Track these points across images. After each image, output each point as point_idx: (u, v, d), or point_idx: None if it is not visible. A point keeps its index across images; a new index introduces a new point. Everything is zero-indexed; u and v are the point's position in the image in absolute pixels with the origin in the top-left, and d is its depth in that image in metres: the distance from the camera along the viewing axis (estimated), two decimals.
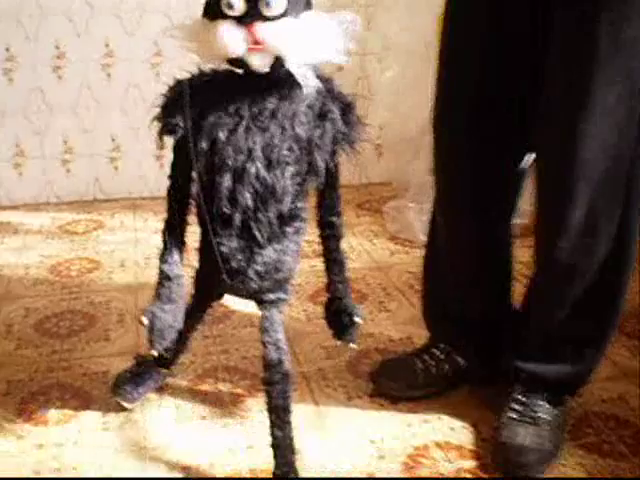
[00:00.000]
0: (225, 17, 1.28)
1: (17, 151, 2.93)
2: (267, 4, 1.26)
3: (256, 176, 1.34)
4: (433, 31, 2.64)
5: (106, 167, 3.00)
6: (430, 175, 2.77)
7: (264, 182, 1.35)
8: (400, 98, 2.98)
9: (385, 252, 2.53)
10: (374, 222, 2.78)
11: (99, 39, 2.85)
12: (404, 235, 2.62)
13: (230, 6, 1.27)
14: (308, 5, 1.35)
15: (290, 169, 1.36)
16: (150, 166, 2.97)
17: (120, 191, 3.01)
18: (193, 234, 1.46)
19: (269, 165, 1.34)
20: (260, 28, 1.26)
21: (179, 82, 1.38)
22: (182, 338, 1.60)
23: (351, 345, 1.54)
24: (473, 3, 1.46)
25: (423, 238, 2.51)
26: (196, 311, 1.61)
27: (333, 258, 1.54)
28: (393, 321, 2.07)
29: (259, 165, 1.34)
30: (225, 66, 1.34)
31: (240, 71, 1.33)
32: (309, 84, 1.32)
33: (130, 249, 2.55)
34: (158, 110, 1.37)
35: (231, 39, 1.27)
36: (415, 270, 2.34)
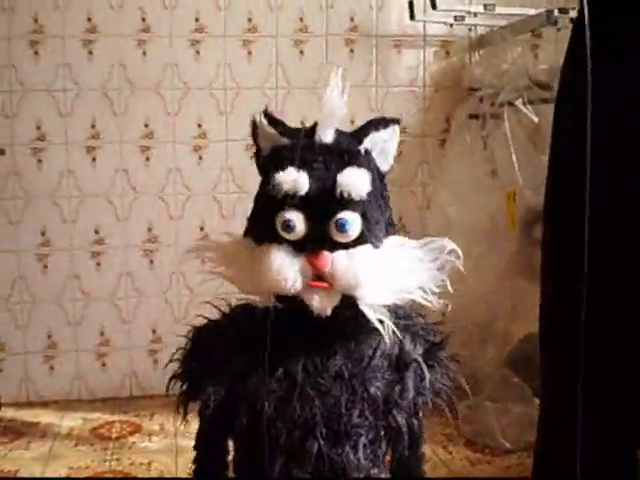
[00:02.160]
0: (279, 240, 0.98)
1: (49, 343, 2.70)
2: (341, 226, 0.96)
3: (318, 455, 1.01)
4: (497, 208, 2.50)
5: (145, 360, 2.75)
6: (504, 367, 2.56)
7: (329, 461, 1.02)
8: (463, 279, 2.74)
9: (464, 462, 2.20)
10: (445, 423, 2.44)
11: (141, 223, 2.68)
12: (483, 440, 2.30)
13: (289, 228, 0.96)
14: (390, 227, 1.06)
15: (363, 440, 1.04)
16: None
17: (159, 387, 2.74)
18: None
19: (335, 439, 1.02)
20: (328, 259, 0.96)
21: (204, 330, 1.07)
22: None
23: None
24: None
25: (505, 443, 2.24)
26: None
27: None
28: None
29: (322, 441, 1.01)
30: (271, 305, 1.01)
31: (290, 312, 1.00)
32: (386, 330, 1.00)
33: (169, 461, 2.25)
34: (179, 366, 1.07)
35: (288, 271, 0.96)
36: None
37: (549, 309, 1.31)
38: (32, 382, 2.72)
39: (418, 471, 1.17)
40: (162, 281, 2.72)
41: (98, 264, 2.69)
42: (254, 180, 2.70)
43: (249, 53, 2.66)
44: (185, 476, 2.12)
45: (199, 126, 2.67)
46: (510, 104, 2.39)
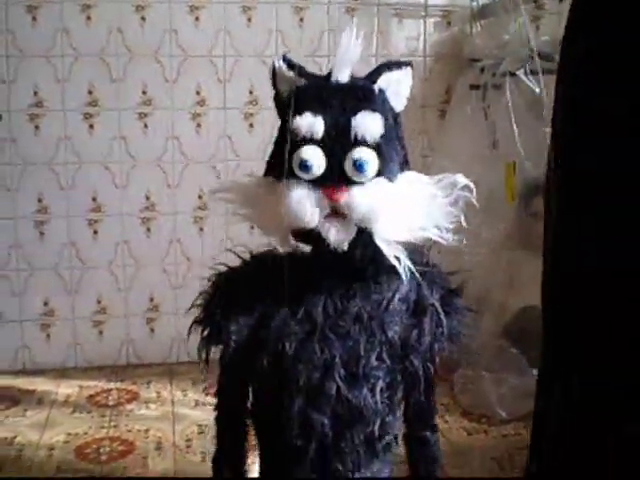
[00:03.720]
0: (298, 177, 1.00)
1: (46, 310, 2.69)
2: (360, 167, 0.99)
3: (337, 397, 1.03)
4: (497, 180, 2.49)
5: (142, 329, 2.74)
6: (500, 338, 2.56)
7: (347, 403, 1.03)
8: (460, 252, 2.74)
9: (461, 432, 2.20)
10: (442, 393, 2.45)
11: (139, 190, 2.67)
12: (479, 410, 2.30)
13: (306, 168, 0.99)
14: (405, 165, 1.08)
15: (380, 383, 1.05)
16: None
17: (156, 355, 2.74)
18: None
19: (353, 381, 1.04)
20: (344, 191, 0.98)
21: (227, 275, 1.09)
22: None
23: None
24: None
25: (501, 413, 2.25)
26: None
27: None
28: None
29: (340, 383, 1.03)
30: (289, 245, 1.04)
31: (308, 248, 1.02)
32: (403, 269, 1.02)
33: (167, 428, 2.25)
34: (200, 311, 1.08)
35: (306, 204, 0.98)
36: (499, 455, 2.03)
37: (551, 281, 1.30)
38: (29, 350, 2.71)
39: (432, 417, 1.19)
40: (160, 249, 2.70)
41: (95, 232, 2.67)
42: (252, 148, 2.70)
43: (249, 20, 2.63)
44: (183, 442, 2.13)
45: (198, 93, 2.65)
46: (512, 74, 2.38)
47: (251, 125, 2.64)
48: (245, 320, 1.03)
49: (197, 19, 2.62)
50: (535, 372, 1.52)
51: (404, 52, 2.76)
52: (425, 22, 2.79)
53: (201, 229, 2.68)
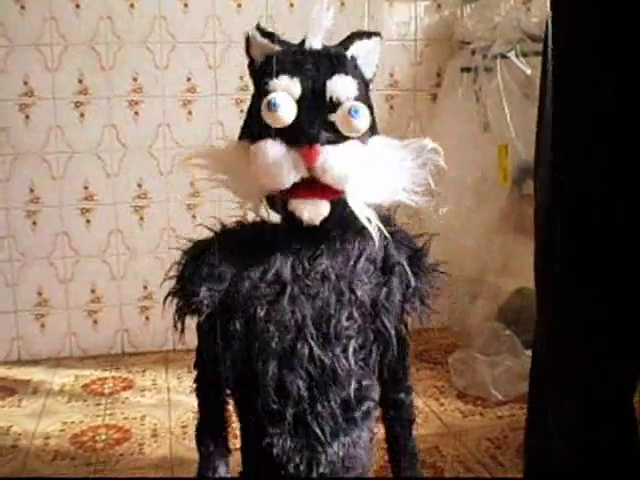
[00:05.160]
0: (272, 136, 1.00)
1: (40, 300, 2.68)
2: (355, 112, 1.00)
3: (310, 358, 1.04)
4: (489, 162, 2.49)
5: (136, 317, 2.73)
6: (495, 321, 2.57)
7: (321, 364, 1.04)
8: (454, 236, 2.74)
9: (456, 414, 2.20)
10: (437, 376, 2.46)
11: (131, 179, 2.66)
12: (474, 392, 2.30)
13: (274, 106, 0.99)
14: (374, 129, 1.09)
15: (353, 343, 1.06)
16: None
17: (151, 343, 2.74)
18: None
19: (325, 342, 1.05)
20: (319, 152, 0.98)
21: (199, 245, 1.09)
22: None
23: None
24: None
25: (496, 395, 2.25)
26: None
27: (402, 448, 1.21)
28: None
29: (312, 343, 1.04)
30: (261, 211, 1.07)
31: (278, 219, 1.06)
32: (373, 229, 1.03)
33: (163, 415, 2.25)
34: (174, 283, 1.10)
35: (282, 164, 0.98)
36: (494, 436, 2.04)
37: (542, 263, 1.30)
38: (23, 340, 2.70)
39: (406, 378, 1.20)
40: (152, 237, 2.69)
41: (88, 221, 2.66)
42: None
43: (238, 5, 2.62)
44: (179, 429, 2.13)
45: (188, 80, 2.64)
46: (503, 57, 2.37)
47: (242, 111, 2.61)
48: (216, 285, 1.04)
49: (186, 5, 2.60)
50: (529, 353, 1.53)
51: (395, 35, 2.76)
52: (416, 5, 2.77)
53: (194, 216, 2.67)
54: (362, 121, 1.01)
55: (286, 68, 1.02)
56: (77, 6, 2.55)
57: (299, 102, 1.01)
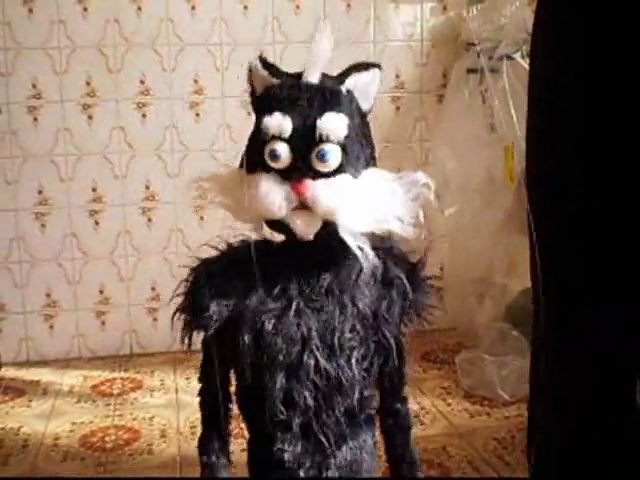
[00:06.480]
0: (268, 170, 1.06)
1: (49, 302, 2.70)
2: (322, 156, 1.04)
3: (316, 369, 1.08)
4: (495, 163, 2.50)
5: (144, 318, 2.75)
6: (502, 321, 2.57)
7: (326, 375, 1.08)
8: (461, 236, 2.75)
9: (463, 414, 2.21)
10: (444, 376, 2.47)
11: (139, 180, 2.68)
12: (481, 392, 2.31)
13: (275, 156, 1.05)
14: (371, 161, 1.13)
15: (355, 354, 1.10)
16: None
17: (159, 344, 2.75)
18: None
19: (330, 353, 1.09)
20: (309, 185, 1.04)
21: (206, 262, 1.13)
22: None
23: None
24: None
25: (503, 395, 2.26)
26: None
27: (400, 457, 1.23)
28: None
29: (318, 355, 1.08)
30: (262, 232, 1.11)
31: (280, 238, 1.10)
32: (365, 256, 1.08)
33: (172, 415, 2.26)
34: (182, 299, 1.12)
35: (275, 197, 1.04)
36: (501, 436, 2.05)
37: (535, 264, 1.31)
38: (32, 341, 2.71)
39: (402, 389, 1.23)
40: (161, 239, 2.71)
41: (96, 222, 2.68)
42: None
43: (245, 8, 2.63)
44: (187, 429, 2.15)
45: (195, 82, 2.65)
46: (509, 57, 2.38)
47: (249, 113, 2.63)
48: (224, 302, 1.07)
49: (193, 8, 2.61)
50: None
51: (401, 37, 2.77)
52: (422, 7, 2.78)
53: (202, 218, 2.69)
54: (331, 162, 1.05)
55: (280, 105, 1.06)
56: (85, 9, 2.57)
57: (291, 138, 1.05)
